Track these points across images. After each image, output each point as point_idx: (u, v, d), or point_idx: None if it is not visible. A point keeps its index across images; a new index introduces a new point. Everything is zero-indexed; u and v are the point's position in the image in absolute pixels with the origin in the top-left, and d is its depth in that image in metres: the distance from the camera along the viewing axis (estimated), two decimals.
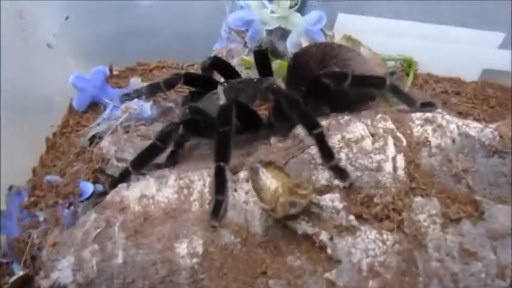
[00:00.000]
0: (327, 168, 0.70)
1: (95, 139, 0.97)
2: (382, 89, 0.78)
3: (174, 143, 0.80)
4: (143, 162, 0.77)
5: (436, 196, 0.68)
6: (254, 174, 0.69)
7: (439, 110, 0.79)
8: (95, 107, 1.09)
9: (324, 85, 0.76)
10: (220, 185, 0.69)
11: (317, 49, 0.84)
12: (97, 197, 0.79)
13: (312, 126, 0.70)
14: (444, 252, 0.62)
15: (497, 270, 0.60)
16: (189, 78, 0.92)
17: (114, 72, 1.19)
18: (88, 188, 0.86)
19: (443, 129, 0.74)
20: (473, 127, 0.72)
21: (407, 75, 1.18)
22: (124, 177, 0.77)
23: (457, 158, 0.71)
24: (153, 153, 0.77)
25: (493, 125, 0.75)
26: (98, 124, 1.02)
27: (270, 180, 0.67)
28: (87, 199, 0.85)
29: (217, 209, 0.68)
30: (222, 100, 0.84)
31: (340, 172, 0.69)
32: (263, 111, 0.85)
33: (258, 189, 0.67)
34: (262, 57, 0.91)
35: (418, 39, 1.17)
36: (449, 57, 1.19)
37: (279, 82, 0.89)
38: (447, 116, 0.76)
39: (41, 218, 0.81)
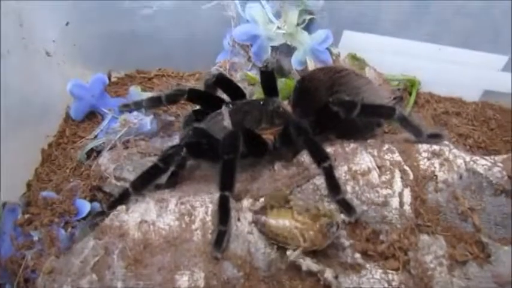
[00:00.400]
0: (333, 202, 0.69)
1: (92, 153, 0.94)
2: (391, 119, 0.77)
3: (176, 164, 0.78)
4: (144, 184, 0.75)
5: (441, 234, 0.68)
6: (261, 225, 0.67)
7: (446, 143, 0.78)
8: (92, 116, 1.06)
9: (332, 113, 0.75)
10: (223, 215, 0.68)
11: (325, 75, 0.83)
12: (95, 217, 0.77)
13: (320, 158, 0.69)
14: None
15: None
16: (193, 95, 0.89)
17: (113, 80, 1.17)
18: (85, 206, 0.84)
19: (450, 163, 0.73)
20: (481, 164, 0.72)
21: (410, 94, 1.18)
22: (123, 198, 0.75)
23: (463, 195, 0.70)
24: (155, 175, 0.75)
25: (500, 160, 0.75)
26: (96, 136, 0.99)
27: (281, 222, 0.65)
28: (83, 218, 0.83)
29: (220, 240, 0.67)
30: (227, 122, 0.82)
31: (347, 206, 0.68)
32: (268, 135, 0.83)
33: (275, 235, 0.66)
34: (269, 78, 0.90)
35: (421, 59, 1.16)
36: (451, 77, 1.19)
37: (285, 104, 0.87)
38: (454, 150, 0.75)
39: (36, 238, 0.78)
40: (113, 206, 0.75)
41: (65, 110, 1.06)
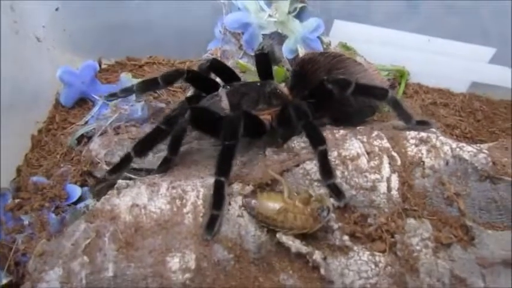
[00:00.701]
0: (324, 186, 0.70)
1: (83, 139, 0.94)
2: (383, 100, 0.78)
3: (178, 128, 0.75)
4: (145, 147, 0.74)
5: (428, 218, 0.69)
6: (251, 209, 0.68)
7: (434, 130, 0.80)
8: (82, 103, 1.06)
9: (327, 90, 0.75)
10: (217, 200, 0.68)
11: (325, 59, 0.83)
12: (96, 185, 0.77)
13: (317, 142, 0.70)
14: (435, 278, 0.63)
15: None
16: (192, 76, 0.88)
17: (103, 67, 1.16)
18: (75, 191, 0.84)
19: (437, 150, 0.74)
20: (466, 151, 0.73)
21: (399, 84, 1.19)
22: (125, 162, 0.75)
23: (449, 181, 0.72)
24: (156, 138, 0.74)
25: (486, 148, 0.77)
26: (86, 122, 0.99)
27: (271, 205, 0.66)
28: (74, 203, 0.83)
29: (212, 223, 0.67)
30: (225, 103, 0.82)
31: (337, 191, 0.69)
32: (266, 116, 0.83)
33: (265, 218, 0.66)
34: (264, 61, 0.90)
35: (411, 50, 1.18)
36: (440, 68, 1.21)
37: (281, 86, 0.87)
38: (441, 137, 0.76)
39: (26, 222, 0.78)
40: (114, 171, 0.75)
41: (54, 97, 1.06)
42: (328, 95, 0.76)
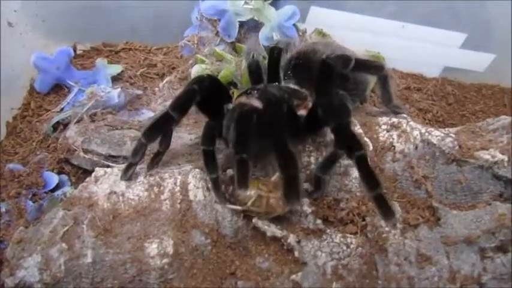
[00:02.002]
0: (369, 198, 0.63)
1: (59, 126, 0.94)
2: (381, 73, 0.80)
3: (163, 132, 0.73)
4: (156, 132, 0.72)
5: (397, 200, 0.72)
6: (229, 195, 0.69)
7: (405, 115, 0.83)
8: (58, 89, 1.05)
9: (329, 67, 0.73)
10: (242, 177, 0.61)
11: (325, 47, 0.83)
12: (127, 168, 0.73)
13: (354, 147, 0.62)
14: (403, 257, 0.66)
15: (449, 275, 0.65)
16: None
17: (78, 52, 1.15)
18: (52, 178, 0.84)
19: (407, 135, 0.77)
20: (435, 135, 0.76)
21: None
22: (139, 150, 0.71)
23: (418, 164, 0.75)
24: (166, 123, 0.71)
25: (454, 131, 0.80)
26: (62, 109, 0.99)
27: (247, 191, 0.67)
28: (51, 190, 0.83)
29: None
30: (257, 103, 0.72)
31: (385, 206, 0.61)
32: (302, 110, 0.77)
33: (242, 204, 0.67)
34: (276, 61, 0.86)
35: (385, 36, 1.20)
36: (414, 54, 1.23)
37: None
38: (411, 122, 0.79)
39: (3, 210, 0.78)
40: (134, 156, 0.72)
41: (29, 82, 1.04)
42: (330, 72, 0.74)
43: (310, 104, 0.77)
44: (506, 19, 1.14)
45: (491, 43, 1.19)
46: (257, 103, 0.71)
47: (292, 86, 0.82)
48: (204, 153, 0.67)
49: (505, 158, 0.71)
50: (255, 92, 0.75)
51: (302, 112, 0.76)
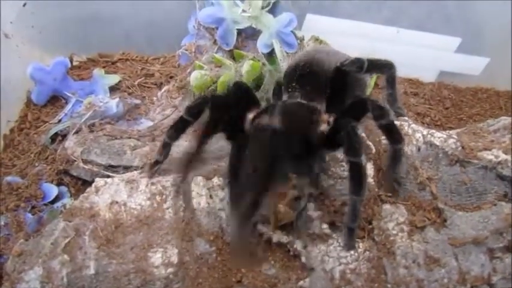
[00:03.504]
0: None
1: (57, 137, 0.93)
2: (392, 69, 0.81)
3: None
4: (179, 133, 0.73)
5: (402, 203, 0.72)
6: None
7: (406, 118, 0.83)
8: (55, 100, 1.04)
9: (345, 73, 0.74)
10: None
11: (328, 55, 0.84)
12: (152, 167, 0.76)
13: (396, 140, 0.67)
14: (411, 259, 0.66)
15: (459, 277, 0.64)
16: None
17: (75, 63, 1.14)
18: (52, 190, 0.83)
19: (409, 137, 0.77)
20: (437, 137, 0.76)
21: (371, 76, 1.22)
22: (165, 148, 0.74)
23: (422, 166, 0.75)
24: (184, 126, 0.72)
25: (455, 133, 0.80)
26: (60, 120, 0.97)
27: None
28: (51, 202, 0.82)
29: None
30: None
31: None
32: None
33: None
34: None
35: (381, 41, 1.20)
36: (410, 59, 1.24)
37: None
38: (413, 125, 0.79)
39: (2, 223, 0.77)
40: (159, 154, 0.75)
41: (25, 95, 1.03)
42: (346, 78, 0.74)
43: (326, 117, 0.74)
44: (499, 23, 1.16)
45: (485, 47, 1.20)
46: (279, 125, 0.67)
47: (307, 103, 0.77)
48: (230, 186, 0.64)
49: (508, 158, 0.71)
50: (275, 110, 0.70)
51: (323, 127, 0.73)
